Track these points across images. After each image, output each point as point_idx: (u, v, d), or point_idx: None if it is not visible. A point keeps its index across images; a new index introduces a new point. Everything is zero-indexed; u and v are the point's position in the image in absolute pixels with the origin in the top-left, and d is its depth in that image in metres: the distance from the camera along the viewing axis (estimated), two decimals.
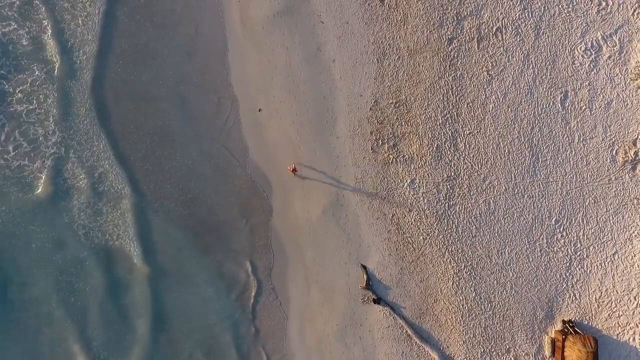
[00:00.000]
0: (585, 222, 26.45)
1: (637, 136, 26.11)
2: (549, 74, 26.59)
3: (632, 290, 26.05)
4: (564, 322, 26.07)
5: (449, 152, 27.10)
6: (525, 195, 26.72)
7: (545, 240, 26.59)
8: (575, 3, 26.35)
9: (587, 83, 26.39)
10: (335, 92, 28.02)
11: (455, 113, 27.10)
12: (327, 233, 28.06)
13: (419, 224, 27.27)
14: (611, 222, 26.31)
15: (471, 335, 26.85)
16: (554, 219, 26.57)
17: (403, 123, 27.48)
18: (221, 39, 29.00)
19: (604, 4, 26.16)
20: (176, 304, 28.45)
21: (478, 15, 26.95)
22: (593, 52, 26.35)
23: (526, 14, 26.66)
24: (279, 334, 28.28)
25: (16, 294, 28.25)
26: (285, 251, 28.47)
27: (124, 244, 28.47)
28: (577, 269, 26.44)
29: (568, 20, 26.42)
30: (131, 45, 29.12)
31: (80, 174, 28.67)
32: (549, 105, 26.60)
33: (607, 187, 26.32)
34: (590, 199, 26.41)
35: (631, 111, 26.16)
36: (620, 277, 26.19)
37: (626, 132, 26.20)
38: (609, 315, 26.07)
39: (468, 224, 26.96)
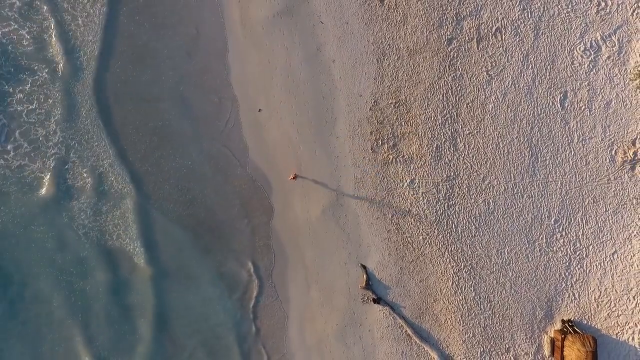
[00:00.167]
0: (584, 221, 26.51)
1: (636, 136, 26.16)
2: (548, 74, 26.63)
3: (631, 289, 26.11)
4: (563, 321, 26.13)
5: (448, 152, 27.15)
6: (525, 195, 26.78)
7: (544, 240, 26.65)
8: (574, 3, 26.38)
9: (586, 83, 26.43)
10: (335, 92, 28.07)
11: (454, 113, 27.15)
12: (327, 233, 28.12)
13: (418, 223, 27.33)
14: (610, 221, 26.36)
15: (471, 335, 26.92)
16: (553, 219, 26.63)
17: (403, 123, 27.53)
18: (221, 39, 29.04)
19: (603, 4, 26.20)
20: (178, 304, 28.55)
21: (477, 16, 26.99)
22: (592, 53, 26.39)
23: (525, 14, 26.70)
24: (279, 334, 28.36)
25: (17, 294, 28.34)
26: (285, 251, 28.54)
27: (125, 244, 28.55)
28: (576, 268, 26.49)
29: (567, 20, 26.45)
30: (131, 45, 29.15)
31: (81, 174, 28.75)
32: (548, 105, 26.65)
33: (606, 187, 26.38)
34: (590, 198, 26.47)
35: (630, 111, 26.20)
36: (619, 276, 26.25)
37: (625, 132, 26.24)
38: (608, 314, 26.13)
39: (467, 223, 27.02)
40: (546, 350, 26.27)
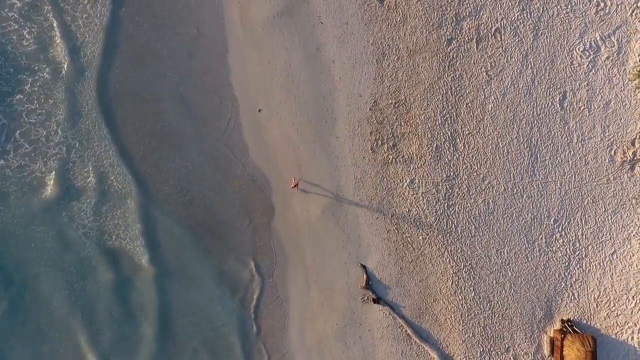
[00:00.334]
0: (583, 222, 26.55)
1: (636, 136, 26.20)
2: (547, 74, 26.68)
3: (630, 289, 26.15)
4: (562, 321, 26.17)
5: (448, 152, 27.19)
6: (524, 195, 26.82)
7: (544, 240, 26.69)
8: (573, 4, 26.43)
9: (585, 83, 26.48)
10: (334, 92, 28.11)
11: (454, 113, 27.19)
12: (326, 233, 28.15)
13: (418, 223, 27.37)
14: (610, 221, 26.41)
15: (470, 335, 26.95)
16: (552, 219, 26.67)
17: (402, 123, 27.57)
18: (221, 39, 29.07)
19: (602, 4, 26.25)
20: (180, 303, 28.58)
21: (477, 16, 27.03)
22: (591, 53, 26.44)
23: (525, 15, 26.75)
24: (280, 334, 28.39)
25: (18, 294, 28.35)
26: (285, 251, 28.57)
27: (127, 244, 28.58)
28: (575, 268, 26.54)
29: (566, 20, 26.51)
30: (131, 46, 29.18)
31: (82, 174, 28.77)
32: (547, 106, 26.70)
33: (606, 187, 26.42)
34: (589, 198, 26.51)
35: (629, 111, 26.25)
36: (618, 276, 26.29)
37: (625, 132, 26.29)
38: (607, 314, 26.18)
39: (467, 223, 27.06)
40: (546, 350, 26.31)
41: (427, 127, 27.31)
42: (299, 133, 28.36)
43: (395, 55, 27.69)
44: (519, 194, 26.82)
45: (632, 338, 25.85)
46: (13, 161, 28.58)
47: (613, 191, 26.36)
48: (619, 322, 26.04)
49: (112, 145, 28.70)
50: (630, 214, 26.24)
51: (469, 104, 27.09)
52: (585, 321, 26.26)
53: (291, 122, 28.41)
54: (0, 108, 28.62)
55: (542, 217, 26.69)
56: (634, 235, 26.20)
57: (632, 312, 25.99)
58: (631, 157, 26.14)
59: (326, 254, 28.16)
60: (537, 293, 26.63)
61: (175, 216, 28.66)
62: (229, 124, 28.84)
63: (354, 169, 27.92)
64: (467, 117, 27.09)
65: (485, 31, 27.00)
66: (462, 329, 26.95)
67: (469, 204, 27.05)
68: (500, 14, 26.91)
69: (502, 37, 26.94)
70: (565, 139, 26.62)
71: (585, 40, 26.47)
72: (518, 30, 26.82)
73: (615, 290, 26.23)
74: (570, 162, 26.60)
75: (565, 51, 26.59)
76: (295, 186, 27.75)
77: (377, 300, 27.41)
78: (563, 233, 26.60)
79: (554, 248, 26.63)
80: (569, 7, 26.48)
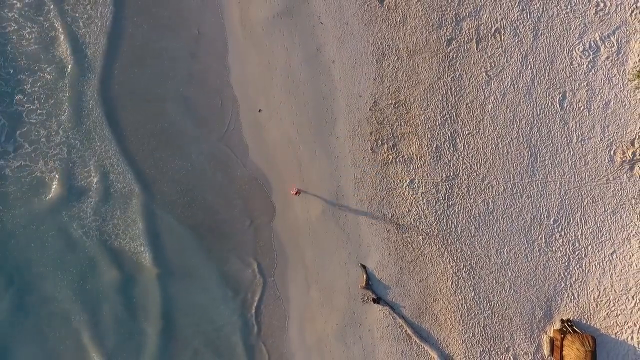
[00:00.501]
0: (583, 222, 26.59)
1: (635, 136, 26.24)
2: (547, 74, 26.71)
3: (630, 289, 26.19)
4: (562, 321, 26.21)
5: (448, 153, 27.23)
6: (524, 195, 26.86)
7: (543, 240, 26.73)
8: (573, 4, 26.46)
9: (585, 84, 26.52)
10: (334, 92, 28.14)
11: (454, 113, 27.23)
12: (326, 233, 28.18)
13: (418, 223, 27.40)
14: (609, 221, 26.44)
15: (470, 335, 26.99)
16: (552, 219, 26.71)
17: (402, 123, 27.60)
18: (221, 40, 29.10)
19: (601, 5, 26.29)
20: (182, 303, 28.58)
21: (477, 16, 27.07)
22: (591, 53, 26.48)
23: (524, 15, 26.79)
24: (280, 333, 28.42)
25: (19, 294, 28.37)
26: (285, 251, 28.60)
27: (127, 243, 28.59)
28: (575, 268, 26.58)
29: (566, 21, 26.54)
30: (132, 46, 29.19)
31: (83, 174, 28.79)
32: (547, 106, 26.73)
33: (605, 187, 26.46)
34: (589, 198, 26.55)
35: (629, 111, 26.29)
36: (618, 276, 26.32)
37: (624, 132, 26.33)
38: (607, 314, 26.21)
39: (467, 223, 27.09)
40: (545, 350, 26.34)
41: (427, 127, 27.35)
42: (299, 133, 28.39)
43: (395, 56, 27.72)
44: (518, 194, 26.86)
45: (632, 338, 25.89)
46: (13, 161, 28.59)
47: (612, 191, 26.39)
48: (618, 322, 26.08)
49: (114, 145, 28.71)
50: (630, 213, 26.28)
51: (469, 104, 27.13)
52: (584, 321, 26.30)
53: (291, 122, 28.43)
54: (0, 108, 28.63)
55: (542, 217, 26.73)
56: (633, 235, 26.24)
57: (631, 312, 26.03)
58: (630, 157, 26.18)
59: (326, 254, 28.19)
60: (537, 293, 26.67)
61: (177, 216, 28.68)
62: (229, 124, 28.88)
63: (354, 169, 27.95)
64: (466, 117, 27.12)
65: (485, 31, 27.03)
66: (462, 329, 26.99)
67: (468, 204, 27.09)
68: (500, 14, 26.94)
69: (502, 37, 26.98)
70: (565, 139, 26.65)
71: (585, 41, 26.51)
72: (518, 31, 26.86)
73: (614, 290, 26.27)
74: (570, 162, 26.63)
75: (565, 51, 26.63)
76: (296, 194, 27.76)
77: (377, 300, 27.44)
78: (563, 233, 26.64)
79: (553, 248, 26.67)
80: (569, 7, 26.51)
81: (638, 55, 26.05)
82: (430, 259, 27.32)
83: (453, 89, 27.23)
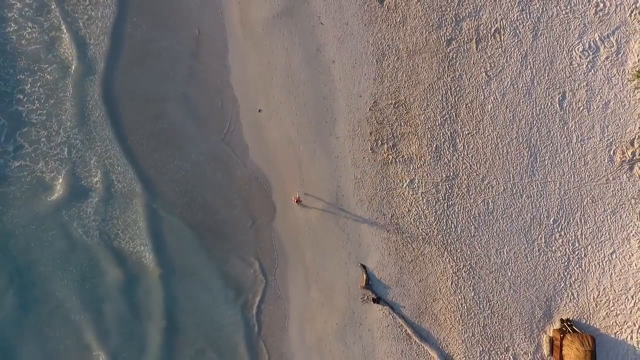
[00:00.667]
0: (583, 221, 26.62)
1: (635, 136, 26.28)
2: (547, 74, 26.75)
3: (629, 289, 26.22)
4: (562, 321, 26.23)
5: (447, 153, 27.26)
6: (524, 195, 26.88)
7: (543, 240, 26.75)
8: (573, 4, 26.50)
9: (584, 84, 26.55)
10: (334, 92, 28.16)
11: (454, 113, 27.25)
12: (326, 233, 28.20)
13: (418, 223, 27.42)
14: (609, 221, 26.47)
15: (470, 334, 27.01)
16: (552, 219, 26.74)
17: (402, 123, 27.63)
18: (222, 40, 29.12)
19: (601, 5, 26.33)
20: (185, 302, 28.65)
21: (476, 17, 27.10)
22: (591, 53, 26.51)
23: (524, 15, 26.82)
24: (280, 333, 28.43)
25: (20, 294, 28.37)
26: (285, 251, 28.62)
27: (129, 243, 28.62)
28: (575, 268, 26.60)
29: (566, 21, 26.58)
30: (134, 47, 29.23)
31: (84, 174, 28.84)
32: (547, 106, 26.77)
33: (605, 187, 26.49)
34: (588, 198, 26.58)
35: (628, 111, 26.33)
36: (617, 276, 26.36)
37: (624, 132, 26.36)
38: (606, 314, 26.24)
39: (467, 223, 27.12)
40: (545, 350, 26.37)
41: (426, 127, 27.37)
42: (299, 133, 28.41)
43: (395, 56, 27.75)
44: (518, 194, 26.89)
45: (631, 337, 25.92)
46: (13, 161, 28.58)
47: (612, 191, 26.43)
48: (618, 322, 26.11)
49: (115, 145, 28.74)
50: (629, 213, 26.31)
51: (469, 105, 27.15)
52: (584, 321, 26.33)
53: (291, 122, 28.45)
54: (0, 108, 28.64)
55: (542, 217, 26.75)
56: (633, 235, 26.28)
57: (631, 312, 26.06)
58: (630, 157, 26.21)
59: (326, 254, 28.21)
60: (537, 293, 26.69)
61: (177, 216, 28.70)
62: (230, 124, 28.89)
63: (354, 169, 27.97)
64: (466, 117, 27.15)
65: (484, 32, 27.06)
66: (462, 329, 27.01)
67: (468, 204, 27.11)
68: (499, 15, 26.97)
69: (502, 37, 27.01)
70: (565, 139, 26.68)
71: (585, 41, 26.55)
72: (517, 31, 26.89)
73: (614, 289, 26.30)
74: (570, 162, 26.66)
75: (565, 52, 26.66)
76: (297, 202, 27.75)
77: (377, 300, 27.46)
78: (562, 233, 26.66)
79: (553, 248, 26.70)
80: (568, 7, 26.55)
81: (637, 56, 26.09)
82: (430, 259, 27.35)
83: (453, 89, 27.25)
